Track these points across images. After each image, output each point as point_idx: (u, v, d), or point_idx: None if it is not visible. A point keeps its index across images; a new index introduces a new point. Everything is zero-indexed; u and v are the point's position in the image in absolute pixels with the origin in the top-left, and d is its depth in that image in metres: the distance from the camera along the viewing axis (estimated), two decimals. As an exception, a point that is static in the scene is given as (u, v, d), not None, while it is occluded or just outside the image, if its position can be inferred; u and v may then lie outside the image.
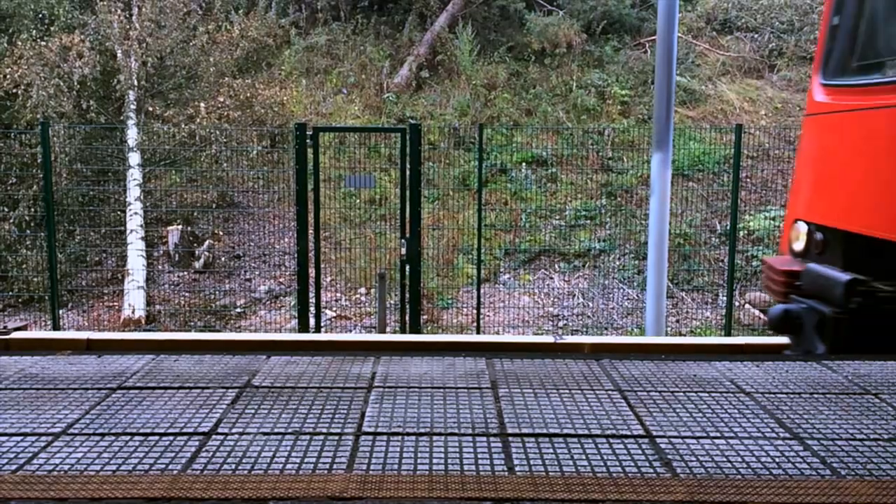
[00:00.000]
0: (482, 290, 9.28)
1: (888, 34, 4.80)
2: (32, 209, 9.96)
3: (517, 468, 1.85)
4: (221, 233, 11.05)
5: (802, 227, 4.82)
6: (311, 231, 8.14)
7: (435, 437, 2.03)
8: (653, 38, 13.04)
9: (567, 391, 2.41)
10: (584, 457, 1.92)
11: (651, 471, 1.85)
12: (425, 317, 9.42)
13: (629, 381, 2.53)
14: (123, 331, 8.88)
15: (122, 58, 11.46)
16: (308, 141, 8.01)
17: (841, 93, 4.76)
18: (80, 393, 2.37)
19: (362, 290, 10.31)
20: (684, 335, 9.16)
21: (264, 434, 2.04)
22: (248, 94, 11.80)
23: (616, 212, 11.09)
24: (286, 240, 10.17)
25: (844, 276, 4.19)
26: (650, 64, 13.30)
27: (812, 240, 4.71)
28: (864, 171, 4.59)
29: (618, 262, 10.65)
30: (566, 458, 1.91)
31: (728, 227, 9.14)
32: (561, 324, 9.82)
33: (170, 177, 11.10)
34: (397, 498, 1.69)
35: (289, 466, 1.85)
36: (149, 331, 9.13)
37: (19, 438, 2.01)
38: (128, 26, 11.52)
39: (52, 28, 11.90)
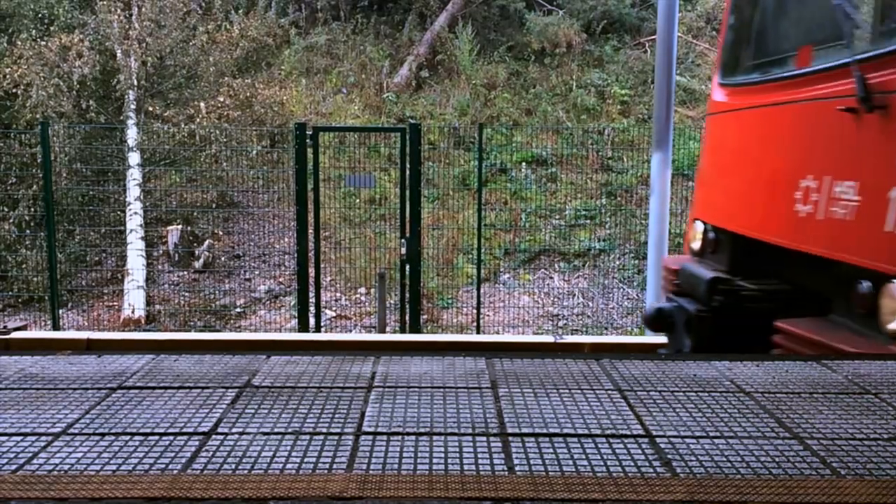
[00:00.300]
0: (482, 290, 9.28)
1: (765, 35, 4.87)
2: (32, 209, 9.96)
3: (517, 468, 1.85)
4: (221, 233, 11.05)
5: (699, 227, 4.89)
6: (310, 231, 8.14)
7: (435, 437, 2.03)
8: (653, 37, 13.03)
9: (567, 391, 2.41)
10: (584, 456, 1.92)
11: (651, 470, 1.85)
12: (425, 317, 9.42)
13: (629, 381, 2.53)
14: (123, 331, 8.88)
15: (121, 58, 11.46)
16: (308, 141, 8.01)
17: (733, 93, 4.81)
18: (80, 393, 2.37)
19: (362, 289, 10.31)
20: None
21: (264, 434, 2.04)
22: (248, 94, 11.80)
23: (616, 212, 11.09)
24: (286, 240, 10.17)
25: (708, 275, 4.22)
26: (650, 64, 13.30)
27: (706, 239, 4.76)
28: (738, 170, 4.69)
29: (618, 262, 10.65)
30: (566, 458, 1.91)
31: (728, 227, 9.13)
32: (561, 323, 9.82)
33: (169, 177, 11.10)
34: (397, 498, 1.69)
35: (289, 466, 1.85)
36: (149, 331, 9.13)
37: (19, 438, 2.01)
38: (127, 26, 11.52)
39: (51, 28, 11.89)
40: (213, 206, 10.59)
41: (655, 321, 4.56)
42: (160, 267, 10.64)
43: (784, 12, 4.80)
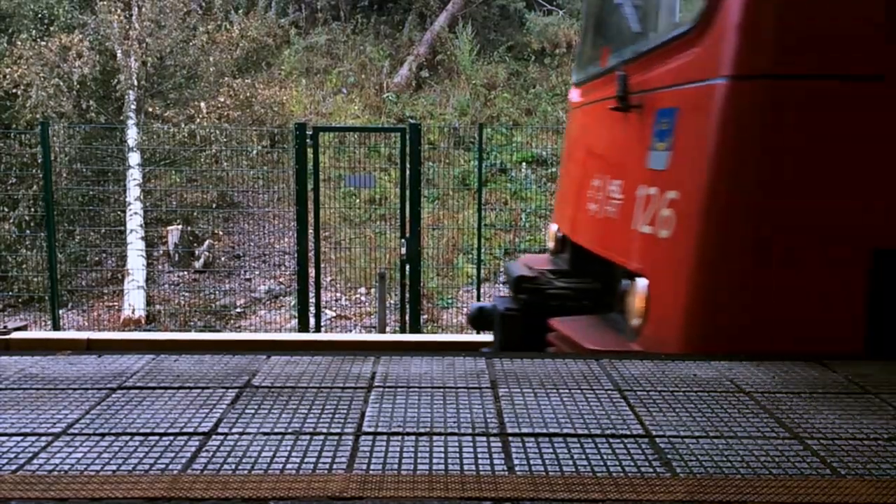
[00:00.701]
0: (482, 290, 9.28)
1: (590, 36, 4.97)
2: (32, 209, 9.96)
3: (517, 468, 1.85)
4: (221, 233, 11.05)
5: (553, 227, 4.95)
6: (311, 231, 8.14)
7: (435, 437, 2.04)
8: (653, 37, 13.02)
9: (567, 391, 2.41)
10: (583, 456, 1.92)
11: (651, 470, 1.85)
12: (425, 316, 9.42)
13: (629, 380, 2.53)
14: (123, 331, 8.88)
15: (121, 58, 11.46)
16: (308, 141, 8.01)
17: (578, 93, 4.91)
18: (80, 393, 2.37)
19: (362, 289, 10.31)
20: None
21: (264, 434, 2.04)
22: (248, 94, 11.80)
23: (616, 211, 11.07)
24: (286, 240, 10.16)
25: (515, 273, 4.24)
26: (650, 64, 13.28)
27: (557, 239, 4.82)
28: (566, 170, 4.89)
29: (618, 262, 10.64)
30: (566, 458, 1.91)
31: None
32: (561, 323, 9.80)
33: (169, 177, 11.10)
34: (397, 498, 1.69)
35: (289, 466, 1.85)
36: (149, 331, 9.13)
37: (19, 438, 2.01)
38: (128, 26, 11.52)
39: (51, 28, 11.90)
40: (213, 206, 10.58)
41: (476, 320, 4.58)
42: (160, 267, 10.64)
43: (599, 13, 4.90)
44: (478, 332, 5.24)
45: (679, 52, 3.17)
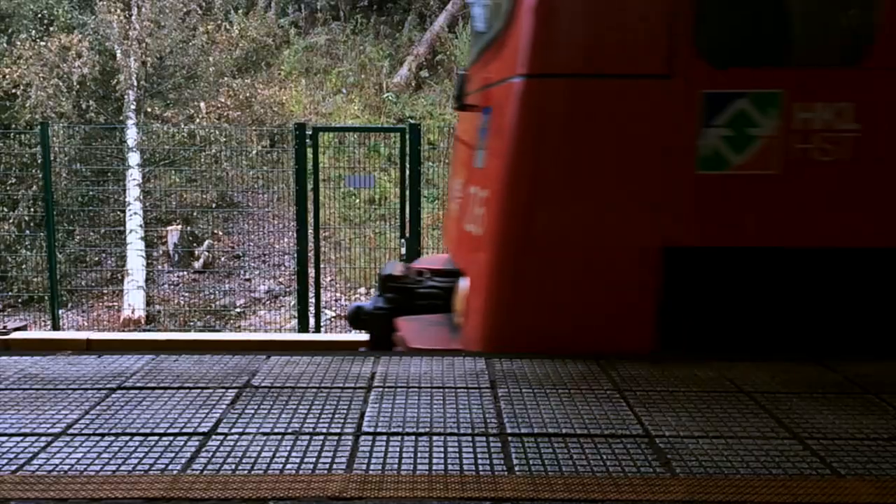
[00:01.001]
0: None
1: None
2: (32, 209, 9.95)
3: (517, 468, 1.85)
4: (221, 233, 11.04)
5: None
6: (310, 231, 8.13)
7: (434, 437, 2.04)
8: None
9: (566, 391, 2.41)
10: (583, 457, 1.92)
11: (650, 470, 1.85)
12: (425, 316, 9.40)
13: (629, 381, 2.53)
14: (123, 331, 8.87)
15: (121, 58, 11.46)
16: (308, 141, 8.00)
17: None
18: (80, 393, 2.37)
19: (362, 290, 10.30)
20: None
21: (264, 434, 2.05)
22: (248, 94, 11.79)
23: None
24: (286, 240, 10.15)
25: (384, 272, 4.27)
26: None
27: None
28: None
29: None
30: (565, 458, 1.91)
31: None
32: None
33: (169, 177, 11.09)
34: (397, 498, 1.69)
35: (289, 466, 1.85)
36: (148, 331, 9.12)
37: (19, 438, 2.01)
38: (127, 26, 11.51)
39: (51, 28, 11.89)
40: (213, 206, 10.57)
41: (353, 319, 4.54)
42: (160, 267, 10.63)
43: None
44: (355, 331, 5.23)
45: (497, 52, 3.21)
